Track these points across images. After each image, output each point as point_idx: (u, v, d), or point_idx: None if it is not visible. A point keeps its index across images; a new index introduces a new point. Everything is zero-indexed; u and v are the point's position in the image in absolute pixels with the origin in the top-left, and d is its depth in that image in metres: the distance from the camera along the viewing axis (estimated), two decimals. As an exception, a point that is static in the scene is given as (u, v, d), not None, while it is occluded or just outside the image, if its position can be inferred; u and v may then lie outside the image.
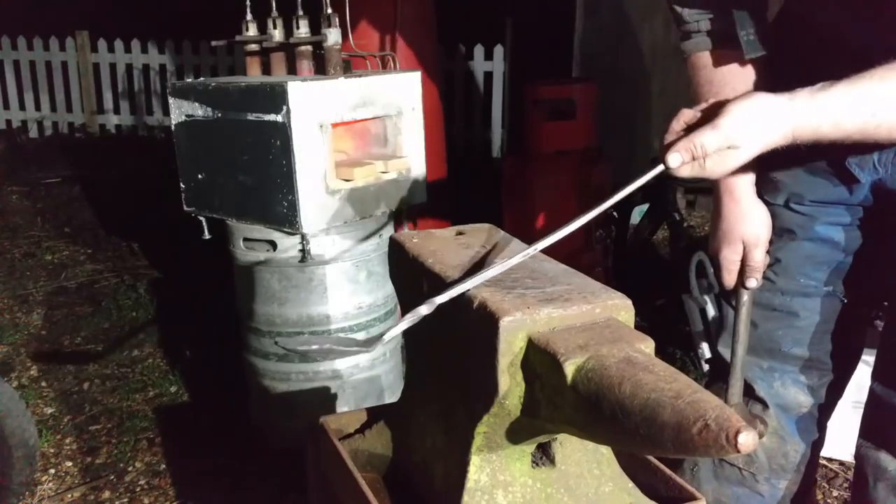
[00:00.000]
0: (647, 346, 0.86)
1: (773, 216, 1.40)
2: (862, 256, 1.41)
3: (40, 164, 6.91)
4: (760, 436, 1.40)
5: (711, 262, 1.49)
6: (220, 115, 2.42)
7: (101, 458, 2.73)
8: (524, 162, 3.62)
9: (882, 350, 1.43)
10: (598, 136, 3.67)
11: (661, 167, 1.06)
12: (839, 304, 1.45)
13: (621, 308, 0.92)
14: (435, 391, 1.09)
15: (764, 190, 1.41)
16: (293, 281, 2.48)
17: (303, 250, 2.41)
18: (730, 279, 1.36)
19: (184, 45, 7.71)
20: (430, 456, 1.09)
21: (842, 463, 2.55)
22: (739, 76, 1.37)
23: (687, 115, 1.11)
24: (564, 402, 0.84)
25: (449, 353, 1.02)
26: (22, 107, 8.14)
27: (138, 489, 2.56)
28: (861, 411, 1.48)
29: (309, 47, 2.50)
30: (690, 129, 1.07)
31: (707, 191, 1.39)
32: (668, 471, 1.09)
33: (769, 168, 1.37)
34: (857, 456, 1.48)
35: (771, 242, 1.40)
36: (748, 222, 1.36)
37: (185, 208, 2.66)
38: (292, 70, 2.56)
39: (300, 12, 2.47)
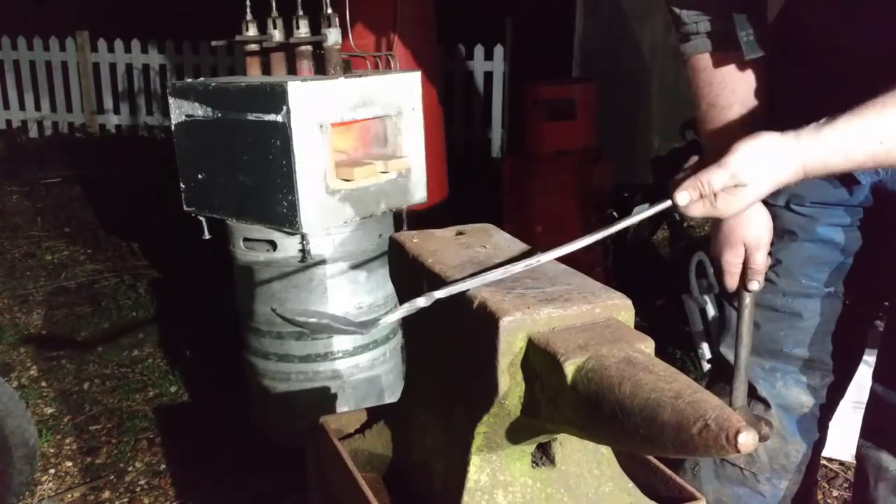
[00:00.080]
0: (647, 346, 0.86)
1: (774, 217, 1.40)
2: (862, 257, 1.41)
3: (40, 164, 6.90)
4: (766, 438, 1.40)
5: (712, 264, 1.49)
6: (220, 115, 2.42)
7: (101, 458, 2.73)
8: (524, 162, 3.62)
9: (883, 350, 1.43)
10: (598, 136, 3.67)
11: (668, 202, 1.06)
12: (840, 305, 1.45)
13: (621, 308, 0.92)
14: (435, 391, 1.09)
15: None
16: (293, 281, 2.48)
17: (303, 250, 2.41)
18: (732, 282, 1.36)
19: (184, 45, 7.71)
20: (430, 456, 1.09)
21: (842, 463, 2.55)
22: (739, 78, 1.37)
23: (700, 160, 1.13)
24: (564, 402, 0.84)
25: (449, 353, 1.02)
26: (22, 107, 8.14)
27: (138, 489, 2.56)
28: (861, 412, 1.48)
29: (309, 47, 2.50)
30: (699, 168, 1.08)
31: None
32: (668, 471, 1.09)
33: None
34: (858, 456, 1.48)
35: (772, 244, 1.40)
36: (749, 225, 1.36)
37: (185, 208, 2.65)
38: (292, 70, 2.56)
39: (300, 12, 2.47)
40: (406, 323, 1.21)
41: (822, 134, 1.05)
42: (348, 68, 2.61)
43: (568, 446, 0.99)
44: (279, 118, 2.25)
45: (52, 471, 2.66)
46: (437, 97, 3.57)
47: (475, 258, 1.06)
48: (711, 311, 2.89)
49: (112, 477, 2.62)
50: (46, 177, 6.56)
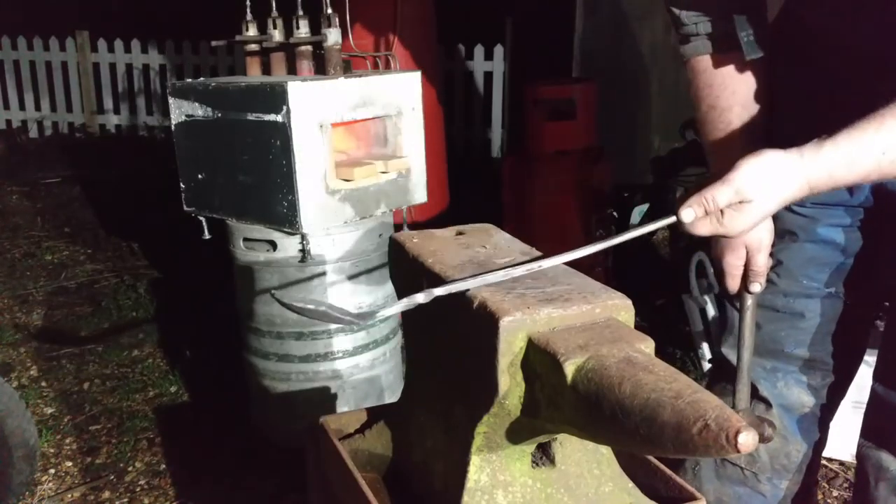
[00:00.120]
0: (647, 346, 0.86)
1: (775, 218, 1.40)
2: (863, 258, 1.41)
3: (40, 164, 6.91)
4: (769, 439, 1.40)
5: (713, 266, 1.49)
6: (220, 115, 2.42)
7: (101, 458, 2.73)
8: (524, 162, 3.62)
9: (883, 350, 1.43)
10: (598, 136, 3.67)
11: (672, 218, 1.06)
12: (841, 305, 1.45)
13: (621, 308, 0.92)
14: (435, 391, 1.09)
15: None
16: (293, 281, 2.48)
17: (303, 250, 2.41)
18: (733, 284, 1.35)
19: (184, 45, 7.70)
20: (430, 456, 1.09)
21: (842, 463, 2.55)
22: (739, 79, 1.37)
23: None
24: (564, 402, 0.83)
25: (449, 353, 1.02)
26: (22, 107, 8.14)
27: (138, 489, 2.56)
28: (861, 412, 1.48)
29: (309, 47, 2.50)
30: (704, 185, 1.07)
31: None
32: (668, 471, 1.09)
33: None
34: (859, 456, 1.48)
35: (772, 244, 1.40)
36: None
37: (185, 208, 2.66)
38: (292, 70, 2.56)
39: (300, 12, 2.47)
40: (406, 323, 1.21)
41: (825, 149, 1.05)
42: (348, 68, 2.61)
43: (568, 446, 0.99)
44: (279, 118, 2.25)
45: (52, 471, 2.66)
46: (437, 97, 3.57)
47: (475, 258, 1.06)
48: (711, 311, 2.89)
49: (112, 477, 2.62)
50: (46, 177, 6.56)
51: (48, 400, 3.12)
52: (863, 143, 1.04)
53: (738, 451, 0.69)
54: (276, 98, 2.24)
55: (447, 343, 1.02)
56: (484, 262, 1.04)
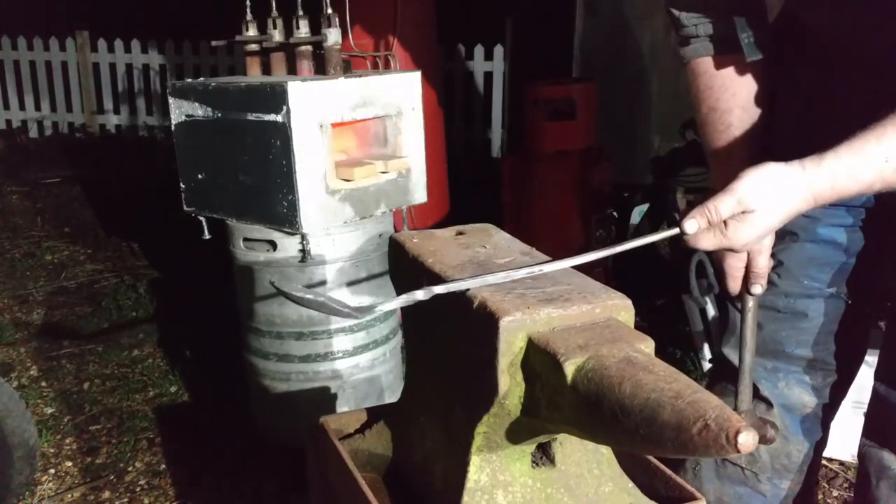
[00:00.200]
0: (647, 346, 0.85)
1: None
2: (864, 257, 1.41)
3: (40, 164, 6.91)
4: (771, 441, 1.40)
5: (714, 267, 1.49)
6: (220, 115, 2.42)
7: (101, 458, 2.73)
8: (524, 162, 3.62)
9: (885, 350, 1.43)
10: (598, 136, 3.67)
11: (675, 230, 1.05)
12: (843, 306, 1.44)
13: (621, 308, 0.92)
14: (435, 391, 1.09)
15: None
16: (293, 281, 2.48)
17: (303, 250, 2.41)
18: (734, 286, 1.35)
19: (184, 45, 7.71)
20: (430, 456, 1.09)
21: (842, 463, 2.55)
22: (739, 81, 1.36)
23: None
24: (564, 402, 0.83)
25: (449, 353, 1.02)
26: (22, 107, 8.14)
27: (138, 489, 2.56)
28: (861, 412, 1.48)
29: (309, 47, 2.50)
30: (707, 197, 1.07)
31: (707, 191, 1.38)
32: (668, 471, 1.09)
33: None
34: (860, 455, 1.48)
35: (773, 245, 1.40)
36: None
37: (185, 208, 2.66)
38: (292, 70, 2.56)
39: (300, 12, 2.47)
40: (406, 323, 1.21)
41: (826, 160, 1.04)
42: (348, 68, 2.61)
43: (568, 446, 0.99)
44: (279, 118, 2.25)
45: (52, 471, 2.66)
46: (437, 97, 3.56)
47: (475, 258, 1.06)
48: (711, 311, 2.88)
49: (112, 477, 2.62)
50: (46, 177, 6.56)
51: (48, 400, 3.12)
52: (865, 153, 1.03)
53: (738, 451, 0.69)
54: (276, 98, 2.24)
55: (447, 343, 1.02)
56: (484, 262, 1.04)
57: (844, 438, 1.85)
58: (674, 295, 3.19)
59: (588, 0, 5.23)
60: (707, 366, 2.95)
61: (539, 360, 0.86)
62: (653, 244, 1.09)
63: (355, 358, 2.59)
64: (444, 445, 1.04)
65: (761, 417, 1.44)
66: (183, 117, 2.52)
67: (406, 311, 1.19)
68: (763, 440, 1.38)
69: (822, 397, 1.51)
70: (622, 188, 4.00)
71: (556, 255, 1.04)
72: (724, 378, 1.52)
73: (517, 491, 0.98)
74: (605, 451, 1.02)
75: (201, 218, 2.64)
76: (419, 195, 2.62)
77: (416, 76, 2.59)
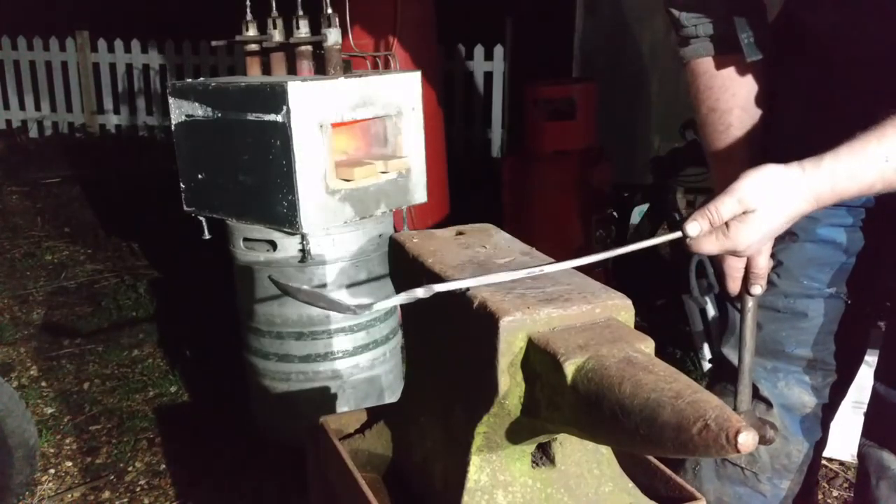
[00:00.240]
0: (647, 346, 0.85)
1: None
2: (864, 257, 1.41)
3: (40, 164, 6.91)
4: (771, 441, 1.40)
5: (714, 267, 1.49)
6: (220, 115, 2.42)
7: (101, 458, 2.73)
8: (524, 162, 3.62)
9: (885, 350, 1.43)
10: (598, 136, 3.66)
11: (678, 233, 1.05)
12: (842, 306, 1.44)
13: (621, 308, 0.92)
14: (435, 391, 1.09)
15: None
16: (293, 281, 2.48)
17: (303, 250, 2.41)
18: (734, 286, 1.35)
19: (184, 45, 7.71)
20: (430, 456, 1.09)
21: (842, 463, 2.55)
22: (739, 81, 1.36)
23: None
24: (564, 402, 0.83)
25: (449, 353, 1.02)
26: (22, 107, 8.14)
27: (138, 489, 2.56)
28: (861, 412, 1.48)
29: (309, 47, 2.50)
30: (708, 199, 1.07)
31: (707, 191, 1.38)
32: (668, 471, 1.09)
33: None
34: (860, 455, 1.48)
35: (773, 245, 1.40)
36: None
37: (185, 208, 2.66)
38: (292, 70, 2.56)
39: (300, 12, 2.47)
40: (406, 323, 1.21)
41: (826, 160, 1.04)
42: (348, 68, 2.61)
43: (568, 446, 0.99)
44: (279, 118, 2.25)
45: (52, 471, 2.66)
46: (437, 97, 3.56)
47: (475, 258, 1.06)
48: (711, 311, 2.88)
49: (112, 477, 2.62)
50: (46, 177, 6.56)
51: (48, 400, 3.12)
52: (865, 154, 1.03)
53: (738, 451, 0.69)
54: (276, 98, 2.24)
55: (447, 343, 1.02)
56: (484, 262, 1.04)
57: (844, 438, 1.85)
58: (674, 295, 3.19)
59: (588, 0, 5.23)
60: (707, 366, 2.95)
61: (539, 360, 0.86)
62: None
63: (355, 358, 2.59)
64: (444, 445, 1.04)
65: (760, 418, 1.44)
66: (183, 117, 2.52)
67: (406, 312, 1.19)
68: (762, 440, 1.38)
69: (821, 397, 1.51)
70: (622, 188, 4.00)
71: (556, 255, 1.04)
72: (723, 378, 1.52)
73: (517, 491, 0.98)
74: (605, 451, 1.02)
75: (201, 218, 2.64)
76: (419, 195, 2.62)
77: (416, 76, 2.59)
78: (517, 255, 1.07)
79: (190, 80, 2.60)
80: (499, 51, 6.66)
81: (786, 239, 1.43)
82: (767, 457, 1.52)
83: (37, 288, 4.31)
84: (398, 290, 1.21)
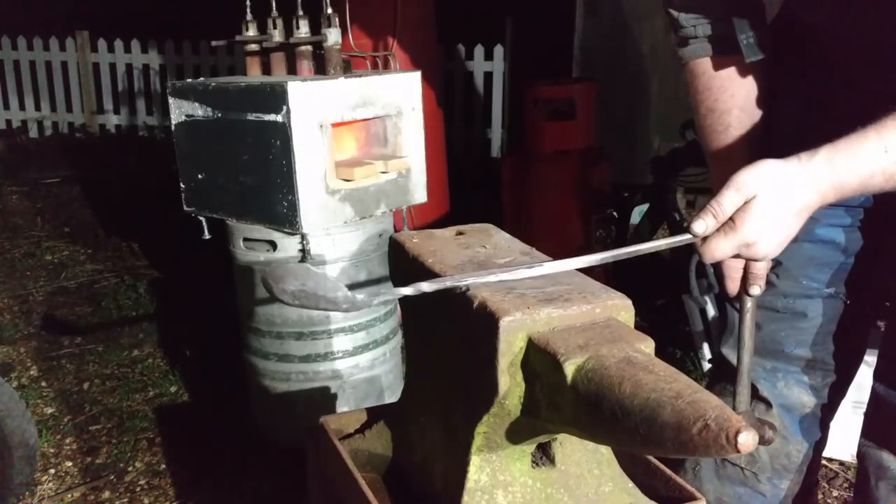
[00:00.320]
0: (647, 346, 0.85)
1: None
2: (863, 258, 1.41)
3: (40, 164, 6.91)
4: (770, 442, 1.40)
5: (714, 267, 1.49)
6: (220, 115, 2.42)
7: (101, 458, 2.73)
8: (524, 162, 3.62)
9: (884, 350, 1.43)
10: (598, 136, 3.67)
11: (688, 235, 1.03)
12: (841, 306, 1.44)
13: (621, 308, 0.92)
14: (435, 391, 1.09)
15: None
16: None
17: (303, 250, 2.41)
18: (733, 287, 1.35)
19: (184, 45, 7.71)
20: (430, 456, 1.09)
21: (842, 463, 2.55)
22: (738, 81, 1.36)
23: None
24: (564, 402, 0.83)
25: (449, 353, 1.02)
26: (22, 107, 8.14)
27: (138, 489, 2.56)
28: (861, 412, 1.48)
29: (309, 47, 2.50)
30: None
31: (707, 191, 1.38)
32: (668, 471, 1.09)
33: None
34: (860, 455, 1.48)
35: None
36: None
37: (185, 208, 2.66)
38: (292, 70, 2.56)
39: (300, 12, 2.47)
40: (406, 323, 1.21)
41: (824, 150, 1.02)
42: (348, 68, 2.61)
43: (568, 446, 0.99)
44: (279, 118, 2.25)
45: (52, 471, 2.66)
46: (437, 97, 3.57)
47: (475, 258, 1.06)
48: (711, 311, 2.88)
49: (112, 477, 2.62)
50: (46, 177, 6.56)
51: (48, 400, 3.12)
52: (864, 145, 1.03)
53: (738, 451, 0.69)
54: (276, 98, 2.24)
55: (447, 343, 1.02)
56: (484, 262, 1.04)
57: (844, 438, 1.85)
58: (674, 295, 3.19)
59: (588, 0, 5.23)
60: (707, 366, 2.95)
61: (539, 360, 0.86)
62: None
63: (355, 358, 2.59)
64: (444, 445, 1.05)
65: (760, 418, 1.44)
66: (183, 117, 2.52)
67: (406, 312, 1.19)
68: (762, 441, 1.38)
69: (821, 397, 1.51)
70: (622, 188, 4.00)
71: (556, 255, 1.04)
72: (723, 378, 1.52)
73: (517, 491, 0.98)
74: (605, 451, 1.02)
75: (201, 218, 2.64)
76: (419, 195, 2.62)
77: (416, 76, 2.59)
78: (517, 255, 1.07)
79: (190, 80, 2.60)
80: (499, 51, 6.66)
81: (786, 239, 1.43)
82: (767, 457, 1.52)
83: (37, 288, 4.31)
84: (398, 291, 1.21)
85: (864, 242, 1.40)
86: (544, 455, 1.00)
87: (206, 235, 2.68)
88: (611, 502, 1.00)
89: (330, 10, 2.46)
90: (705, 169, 1.50)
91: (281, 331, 2.54)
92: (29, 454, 2.26)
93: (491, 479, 0.97)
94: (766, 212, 1.01)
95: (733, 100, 1.37)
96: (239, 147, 2.39)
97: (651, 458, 1.11)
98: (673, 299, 3.25)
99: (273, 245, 2.46)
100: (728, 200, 1.02)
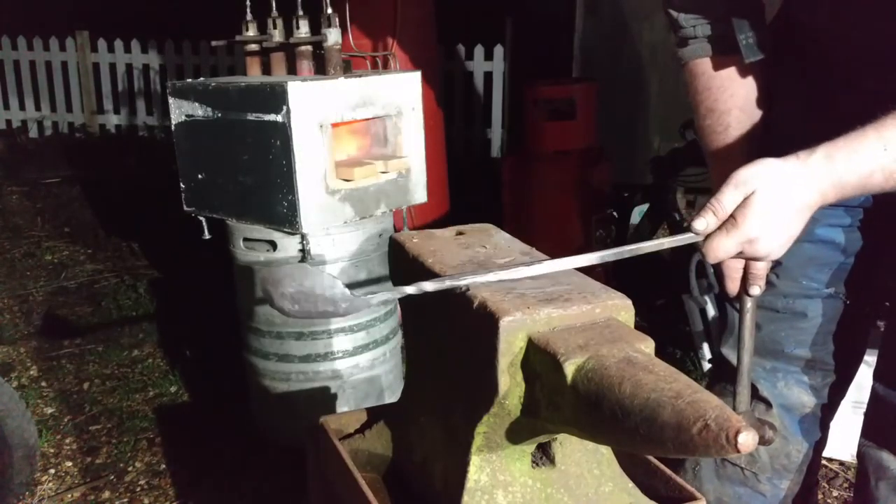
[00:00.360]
0: (647, 346, 0.85)
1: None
2: (862, 258, 1.41)
3: (40, 164, 6.91)
4: (770, 442, 1.40)
5: (713, 268, 1.49)
6: (220, 115, 2.42)
7: (101, 458, 2.73)
8: (524, 162, 3.62)
9: (884, 350, 1.43)
10: (598, 136, 3.67)
11: (690, 235, 1.02)
12: (841, 306, 1.44)
13: (621, 308, 0.92)
14: (435, 391, 1.09)
15: None
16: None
17: (303, 250, 2.41)
18: (733, 287, 1.35)
19: (184, 45, 7.71)
20: (430, 456, 1.09)
21: (842, 463, 2.55)
22: (737, 82, 1.36)
23: None
24: (564, 402, 0.83)
25: (449, 353, 1.02)
26: (22, 107, 8.14)
27: (138, 489, 2.56)
28: (861, 412, 1.48)
29: (309, 47, 2.50)
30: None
31: (707, 191, 1.38)
32: (668, 471, 1.09)
33: None
34: (859, 455, 1.48)
35: None
36: None
37: (185, 208, 2.66)
38: (292, 70, 2.56)
39: (300, 12, 2.47)
40: (406, 323, 1.21)
41: (824, 149, 1.02)
42: (348, 68, 2.61)
43: (568, 446, 0.99)
44: (279, 118, 2.25)
45: (52, 471, 2.66)
46: (437, 97, 3.56)
47: (475, 258, 1.06)
48: (711, 311, 2.88)
49: (112, 477, 2.62)
50: (46, 177, 6.56)
51: (48, 400, 3.12)
52: (863, 143, 1.02)
53: (738, 451, 0.69)
54: (276, 98, 2.24)
55: (447, 343, 1.02)
56: (484, 262, 1.04)
57: (844, 438, 1.86)
58: (674, 295, 3.19)
59: (588, 0, 5.23)
60: (707, 366, 2.95)
61: (539, 360, 0.86)
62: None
63: (355, 358, 2.59)
64: (444, 445, 1.05)
65: (760, 418, 1.44)
66: (183, 117, 2.52)
67: (406, 312, 1.19)
68: (762, 441, 1.38)
69: (821, 397, 1.51)
70: (622, 188, 4.01)
71: (556, 255, 1.04)
72: (723, 378, 1.52)
73: (517, 491, 0.98)
74: (605, 451, 1.02)
75: (201, 218, 2.64)
76: (419, 195, 2.62)
77: (416, 76, 2.59)
78: (517, 255, 1.07)
79: (190, 80, 2.60)
80: (499, 51, 6.66)
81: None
82: (767, 457, 1.52)
83: (37, 288, 4.31)
84: (398, 291, 1.21)
85: (864, 242, 1.40)
86: (544, 455, 1.00)
87: (206, 235, 2.68)
88: (611, 502, 1.00)
89: (330, 10, 2.46)
90: (705, 169, 1.50)
91: (281, 331, 2.54)
92: (29, 454, 2.26)
93: (491, 479, 0.97)
94: (766, 207, 1.01)
95: (733, 100, 1.37)
96: (239, 147, 2.39)
97: (651, 458, 1.11)
98: (673, 299, 3.25)
99: (273, 245, 2.46)
100: (728, 198, 1.01)
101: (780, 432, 1.49)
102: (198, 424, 2.91)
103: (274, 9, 2.55)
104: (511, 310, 0.87)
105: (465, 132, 6.98)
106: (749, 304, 1.36)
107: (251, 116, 2.32)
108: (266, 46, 2.59)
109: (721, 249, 1.02)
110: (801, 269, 1.43)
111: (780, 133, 1.36)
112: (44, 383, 3.26)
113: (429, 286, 0.94)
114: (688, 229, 1.03)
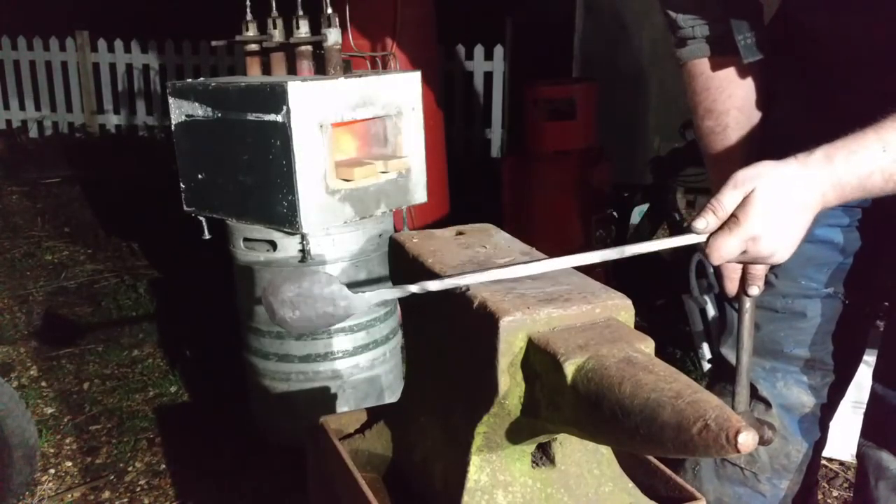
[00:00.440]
0: (647, 346, 0.86)
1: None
2: (861, 257, 1.41)
3: (40, 164, 6.91)
4: (769, 442, 1.40)
5: (713, 267, 1.49)
6: (220, 115, 2.42)
7: (101, 458, 2.73)
8: (524, 162, 3.62)
9: (883, 350, 1.43)
10: (598, 136, 3.67)
11: (692, 235, 1.02)
12: (840, 306, 1.45)
13: (621, 308, 0.92)
14: (435, 391, 1.09)
15: None
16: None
17: (303, 250, 2.41)
18: (732, 287, 1.35)
19: (184, 45, 7.71)
20: (430, 456, 1.09)
21: (842, 463, 2.55)
22: (736, 82, 1.37)
23: None
24: (564, 402, 0.84)
25: (449, 353, 1.02)
26: (22, 107, 8.14)
27: (138, 489, 2.56)
28: (861, 412, 1.48)
29: (309, 47, 2.50)
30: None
31: (707, 191, 1.38)
32: (668, 471, 1.09)
33: None
34: (859, 455, 1.48)
35: None
36: None
37: (185, 208, 2.66)
38: (292, 70, 2.56)
39: (300, 12, 2.47)
40: (406, 323, 1.21)
41: (823, 150, 1.02)
42: (348, 68, 2.61)
43: (568, 446, 0.99)
44: (279, 118, 2.25)
45: (52, 471, 2.66)
46: (437, 97, 3.57)
47: (475, 258, 1.06)
48: (711, 311, 2.88)
49: (112, 477, 2.62)
50: (46, 177, 6.56)
51: (48, 400, 3.12)
52: (862, 144, 1.02)
53: (738, 451, 0.69)
54: (276, 98, 2.24)
55: (447, 343, 1.02)
56: (484, 262, 1.05)
57: (844, 438, 1.86)
58: (674, 295, 3.19)
59: (588, 0, 5.23)
60: (707, 366, 2.95)
61: (539, 360, 0.86)
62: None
63: (355, 358, 2.59)
64: (444, 445, 1.05)
65: (759, 418, 1.44)
66: (183, 117, 2.52)
67: (406, 312, 1.19)
68: (761, 441, 1.38)
69: (820, 397, 1.51)
70: (622, 188, 4.01)
71: (556, 255, 1.04)
72: (723, 378, 1.52)
73: (517, 491, 0.98)
74: (605, 451, 1.02)
75: (201, 218, 2.64)
76: (419, 195, 2.62)
77: (416, 76, 2.59)
78: (517, 255, 1.07)
79: (190, 80, 2.60)
80: (499, 51, 6.66)
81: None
82: (767, 457, 1.52)
83: (37, 288, 4.31)
84: (398, 291, 1.21)
85: (863, 242, 1.41)
86: (544, 455, 1.00)
87: (206, 235, 2.68)
88: (611, 502, 1.00)
89: (330, 10, 2.46)
90: (705, 169, 1.50)
91: (281, 331, 2.54)
92: (29, 454, 2.26)
93: (491, 479, 0.97)
94: (766, 205, 1.00)
95: (731, 100, 1.37)
96: (239, 147, 2.39)
97: (651, 458, 1.11)
98: (673, 299, 3.25)
99: (273, 245, 2.46)
100: (728, 197, 1.01)
101: (779, 432, 1.49)
102: (198, 424, 2.92)
103: (274, 9, 2.55)
104: (511, 310, 0.87)
105: (465, 132, 6.98)
106: (748, 304, 1.35)
107: (251, 116, 2.32)
108: (266, 46, 2.59)
109: (725, 249, 1.01)
110: (800, 269, 1.43)
111: (780, 133, 1.36)
112: (44, 383, 3.26)
113: (429, 286, 0.94)
114: (688, 229, 1.02)
